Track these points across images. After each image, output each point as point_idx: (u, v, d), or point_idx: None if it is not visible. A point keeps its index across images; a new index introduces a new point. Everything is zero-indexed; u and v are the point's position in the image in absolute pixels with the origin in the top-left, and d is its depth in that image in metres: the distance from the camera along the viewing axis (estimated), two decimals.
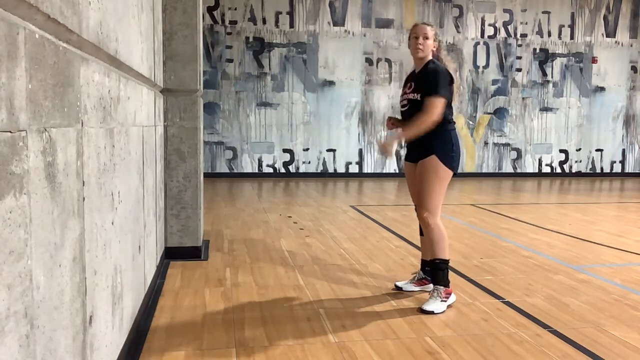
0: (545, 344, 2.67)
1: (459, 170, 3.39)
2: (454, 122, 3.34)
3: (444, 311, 3.10)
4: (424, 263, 3.47)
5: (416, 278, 3.51)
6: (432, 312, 3.07)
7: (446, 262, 3.23)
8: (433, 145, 3.20)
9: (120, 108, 2.20)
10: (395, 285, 3.54)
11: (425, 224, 3.23)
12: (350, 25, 10.65)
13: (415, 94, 3.24)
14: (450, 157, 3.22)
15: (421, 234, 3.44)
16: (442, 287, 3.17)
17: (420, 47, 3.24)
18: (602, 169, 12.03)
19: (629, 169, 12.15)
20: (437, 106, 3.12)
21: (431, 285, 3.33)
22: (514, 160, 11.61)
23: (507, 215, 6.53)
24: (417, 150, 3.30)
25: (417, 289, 3.48)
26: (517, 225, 5.94)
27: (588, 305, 3.28)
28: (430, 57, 3.28)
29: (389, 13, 10.79)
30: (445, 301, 3.14)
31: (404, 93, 3.36)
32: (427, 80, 3.19)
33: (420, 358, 2.50)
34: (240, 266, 4.02)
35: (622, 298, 3.42)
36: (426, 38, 3.24)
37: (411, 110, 3.26)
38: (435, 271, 3.23)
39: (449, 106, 3.23)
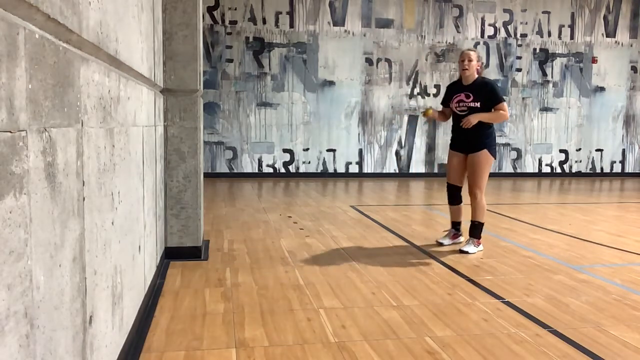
0: (545, 344, 2.67)
1: None
2: None
3: (474, 252, 4.48)
4: (454, 224, 4.81)
5: (451, 234, 4.84)
6: (467, 252, 4.47)
7: (482, 224, 4.57)
8: (485, 142, 4.47)
9: (120, 108, 2.20)
10: (437, 242, 4.86)
11: (475, 197, 4.53)
12: (350, 25, 10.65)
13: (476, 103, 4.45)
14: (494, 148, 4.52)
15: (452, 203, 4.78)
16: (476, 239, 4.56)
17: (466, 67, 4.49)
18: (602, 169, 12.04)
19: (629, 169, 12.15)
20: (505, 110, 4.44)
21: (461, 238, 4.81)
22: (514, 160, 11.61)
23: (507, 215, 6.53)
24: (469, 145, 4.52)
25: (452, 241, 4.81)
26: (517, 225, 5.94)
27: (588, 305, 3.28)
28: (476, 74, 4.51)
29: (389, 13, 10.79)
30: (477, 247, 4.54)
31: (461, 100, 4.53)
32: (491, 92, 4.44)
33: (420, 358, 2.50)
34: (240, 266, 4.02)
35: (622, 298, 3.42)
36: (470, 60, 4.50)
37: (473, 112, 4.46)
38: (473, 229, 4.57)
39: None
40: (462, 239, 4.85)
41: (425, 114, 4.78)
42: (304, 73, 10.59)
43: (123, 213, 2.27)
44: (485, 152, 4.46)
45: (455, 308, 3.18)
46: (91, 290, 1.72)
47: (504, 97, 4.51)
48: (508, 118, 4.57)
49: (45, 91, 1.27)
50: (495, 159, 4.55)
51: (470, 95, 4.47)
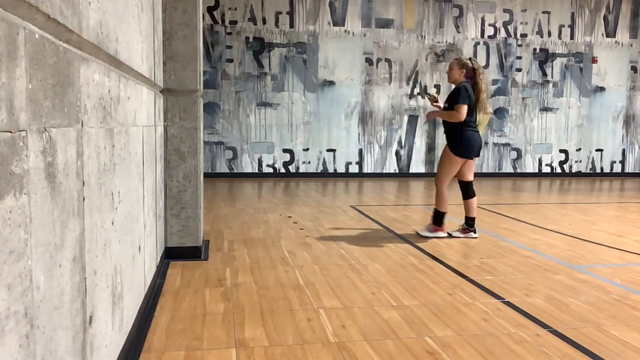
0: (545, 344, 2.67)
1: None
2: (472, 123, 4.99)
3: (427, 236, 5.11)
4: (466, 219, 5.17)
5: (461, 228, 5.21)
6: (423, 236, 5.12)
7: (441, 212, 5.10)
8: (449, 141, 5.06)
9: (120, 108, 2.20)
10: (448, 234, 5.19)
11: (435, 187, 5.14)
12: (350, 25, 10.65)
13: (446, 104, 5.09)
14: (458, 148, 4.97)
15: (464, 198, 5.16)
16: (433, 225, 5.16)
17: (448, 75, 5.15)
18: (602, 169, 12.03)
19: (629, 169, 12.15)
20: (459, 111, 4.87)
21: (472, 234, 5.14)
22: (514, 160, 11.61)
23: (507, 215, 6.53)
24: (446, 141, 5.14)
25: (462, 235, 5.15)
26: (517, 225, 5.94)
27: (588, 305, 3.28)
28: (460, 80, 5.01)
29: (389, 13, 10.79)
30: (432, 233, 5.13)
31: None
32: (453, 95, 4.96)
33: (420, 358, 2.50)
34: (240, 266, 4.02)
35: (622, 298, 3.42)
36: (451, 69, 5.10)
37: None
38: (433, 215, 5.17)
39: (469, 113, 4.93)
40: (473, 234, 5.16)
41: (432, 98, 5.34)
42: (304, 73, 10.59)
43: (123, 213, 2.27)
44: (446, 149, 5.04)
45: (455, 308, 3.18)
46: (91, 290, 1.72)
47: (462, 100, 4.85)
48: (460, 119, 4.85)
49: (45, 91, 1.27)
50: (463, 158, 4.98)
51: (447, 96, 5.18)
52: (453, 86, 5.10)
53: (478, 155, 5.18)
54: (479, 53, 11.18)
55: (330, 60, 10.62)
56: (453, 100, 4.93)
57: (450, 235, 5.17)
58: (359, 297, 3.35)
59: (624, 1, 11.63)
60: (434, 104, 5.30)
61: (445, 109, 5.06)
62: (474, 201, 5.15)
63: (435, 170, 11.16)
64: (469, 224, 5.15)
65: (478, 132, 5.09)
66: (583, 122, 11.82)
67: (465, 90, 4.88)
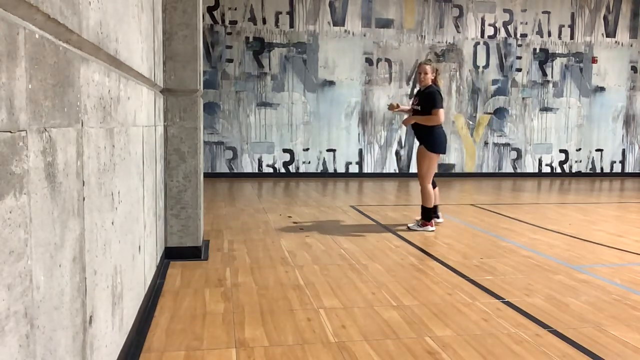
0: (545, 344, 2.67)
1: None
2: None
3: (415, 230, 5.42)
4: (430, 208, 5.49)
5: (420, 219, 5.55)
6: (411, 229, 5.44)
7: (428, 208, 5.45)
8: (423, 140, 5.42)
9: (120, 108, 2.20)
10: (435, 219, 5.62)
11: (420, 184, 5.49)
12: (350, 25, 10.65)
13: (418, 106, 5.40)
14: (433, 145, 5.35)
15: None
16: (423, 220, 5.48)
17: (422, 79, 5.40)
18: (602, 169, 12.03)
19: (629, 169, 12.14)
20: (437, 114, 5.26)
21: (437, 220, 5.59)
22: (514, 160, 11.60)
23: (507, 215, 6.53)
24: (419, 142, 5.49)
25: (441, 220, 5.74)
26: (517, 225, 5.94)
27: (588, 305, 3.28)
28: (429, 84, 5.37)
29: (389, 13, 10.78)
30: (421, 227, 5.43)
31: (413, 103, 5.55)
32: (429, 99, 5.28)
33: (420, 358, 2.50)
34: (240, 266, 4.02)
35: (622, 298, 3.42)
36: (425, 74, 5.37)
37: (415, 115, 5.48)
38: (422, 212, 5.52)
39: None
40: (438, 220, 5.75)
41: (391, 107, 5.73)
42: (304, 73, 10.58)
43: (123, 213, 2.27)
44: (422, 147, 5.40)
45: (455, 308, 3.18)
46: (91, 290, 1.72)
47: (439, 104, 5.27)
48: (439, 122, 5.28)
49: (45, 91, 1.27)
50: (437, 154, 5.37)
51: (417, 99, 5.47)
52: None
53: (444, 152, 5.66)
54: (479, 53, 11.18)
55: (330, 60, 10.62)
56: (429, 105, 5.27)
57: (439, 228, 5.53)
58: (359, 297, 3.35)
59: (624, 1, 11.63)
60: (395, 110, 5.71)
61: (417, 112, 5.39)
62: (435, 191, 5.60)
63: (435, 170, 11.17)
64: (433, 212, 5.59)
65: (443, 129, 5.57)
66: (583, 122, 11.82)
67: (439, 94, 5.30)
